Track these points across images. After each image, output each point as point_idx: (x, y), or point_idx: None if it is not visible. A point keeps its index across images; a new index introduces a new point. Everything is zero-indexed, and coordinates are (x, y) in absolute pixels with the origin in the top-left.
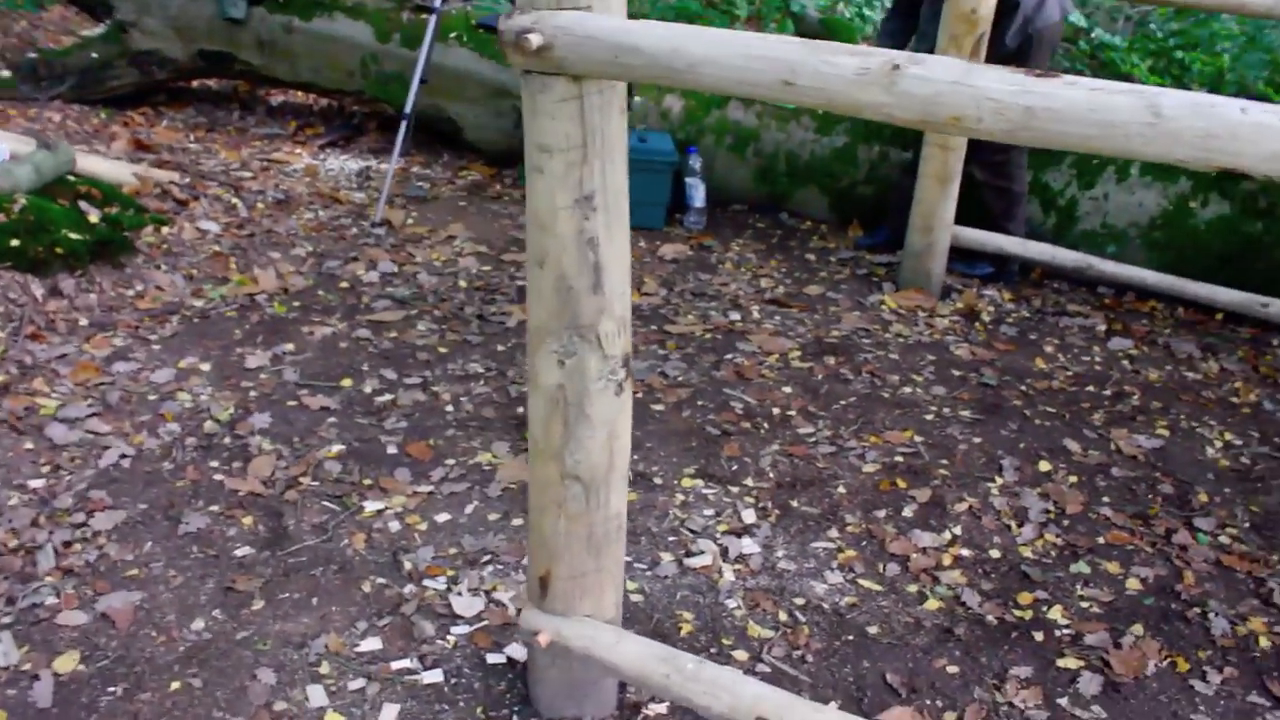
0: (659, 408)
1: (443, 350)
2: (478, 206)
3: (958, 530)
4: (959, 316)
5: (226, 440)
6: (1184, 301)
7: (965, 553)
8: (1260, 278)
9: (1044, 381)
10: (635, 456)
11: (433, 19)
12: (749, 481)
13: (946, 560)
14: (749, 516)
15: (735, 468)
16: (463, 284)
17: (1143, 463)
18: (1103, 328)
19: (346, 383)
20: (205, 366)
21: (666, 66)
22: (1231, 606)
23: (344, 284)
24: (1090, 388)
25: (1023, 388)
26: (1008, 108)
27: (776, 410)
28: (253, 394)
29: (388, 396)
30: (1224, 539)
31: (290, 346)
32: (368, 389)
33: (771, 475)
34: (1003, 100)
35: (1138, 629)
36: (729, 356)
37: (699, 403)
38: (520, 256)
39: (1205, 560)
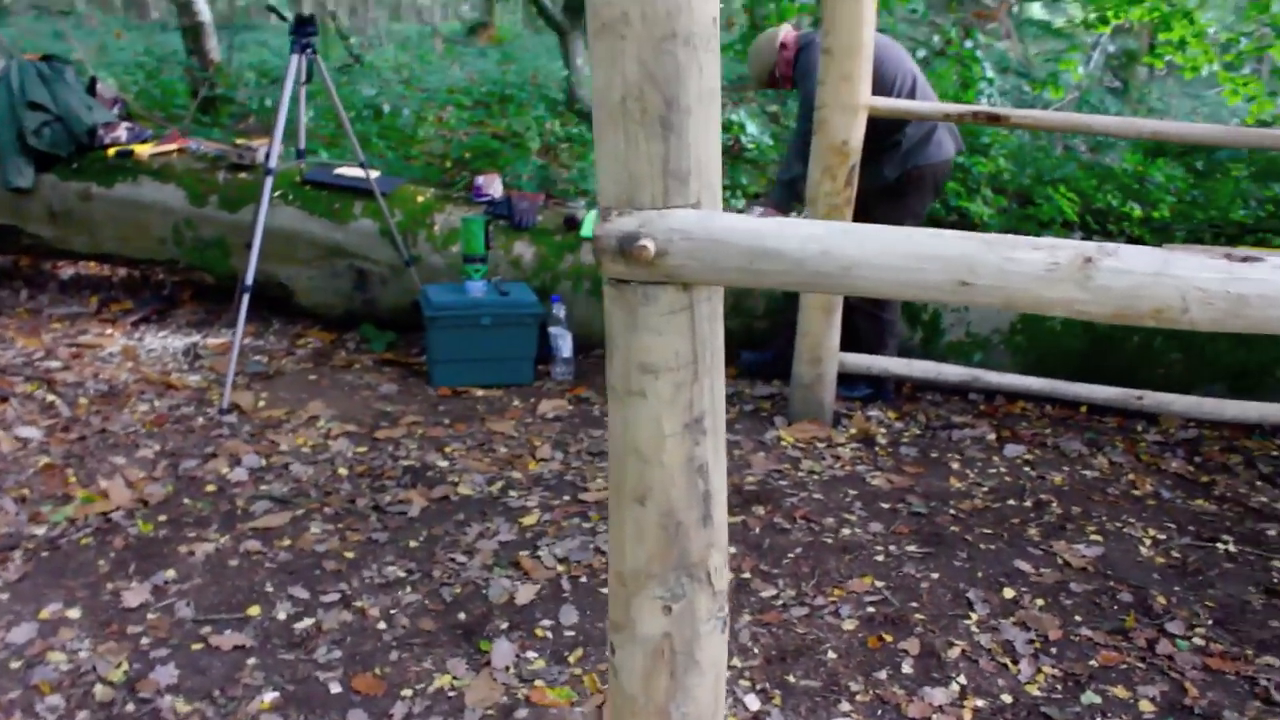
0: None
1: (350, 555)
2: (330, 379)
3: (962, 680)
4: (858, 443)
5: (130, 708)
6: (1050, 400)
7: (980, 703)
8: (1112, 370)
9: (967, 502)
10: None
11: (268, 180)
12: (736, 662)
13: (967, 716)
14: (753, 703)
15: None
16: (342, 471)
17: (1093, 573)
18: (992, 436)
19: (254, 611)
20: (74, 613)
21: (814, 272)
22: (1240, 713)
23: (210, 487)
24: (1011, 501)
25: (951, 512)
26: (1216, 296)
27: (729, 575)
28: (144, 641)
29: (308, 621)
30: (1198, 640)
31: (172, 574)
32: (281, 615)
33: (756, 650)
34: (1210, 289)
35: None
36: None
37: None
38: (394, 433)
39: (1195, 667)
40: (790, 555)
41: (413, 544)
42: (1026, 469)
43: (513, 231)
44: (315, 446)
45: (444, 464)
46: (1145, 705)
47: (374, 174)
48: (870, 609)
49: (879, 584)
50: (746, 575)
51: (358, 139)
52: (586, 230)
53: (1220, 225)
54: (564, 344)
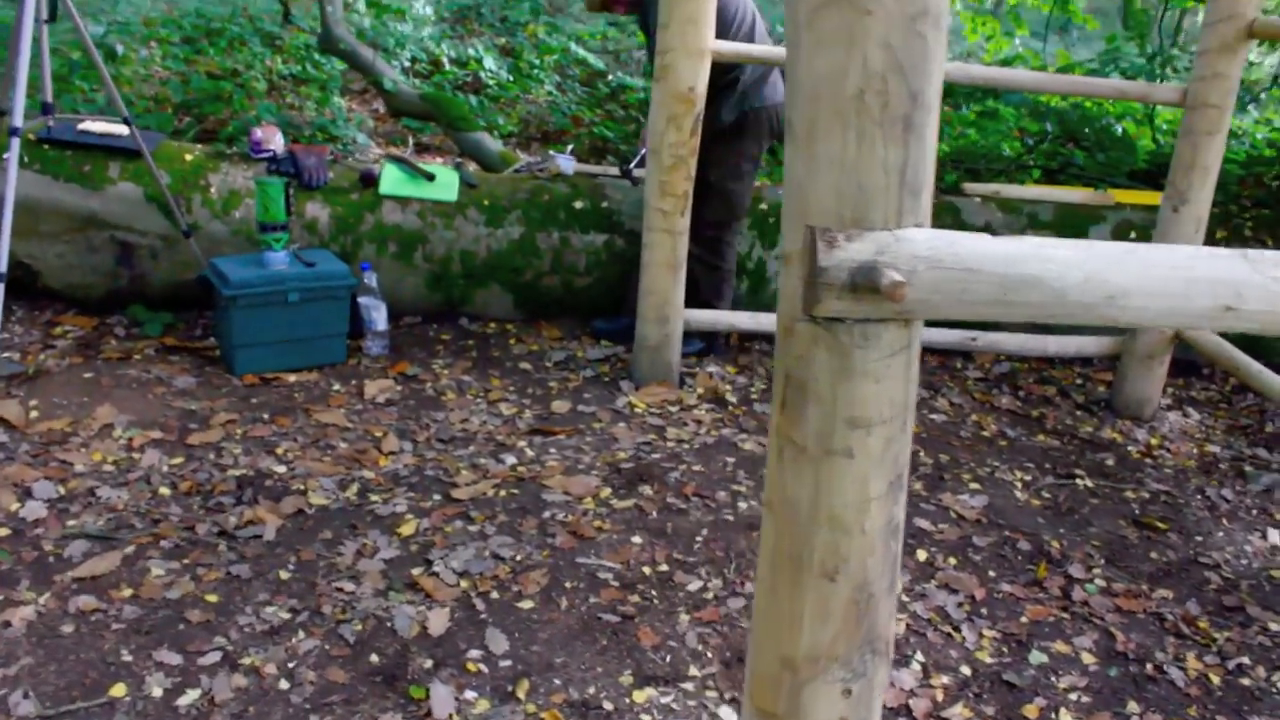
0: (528, 605)
1: (213, 599)
2: (110, 375)
3: (920, 657)
4: (710, 404)
5: None
6: None
7: (946, 680)
8: None
9: None
10: (559, 679)
11: (14, 142)
12: (694, 670)
13: (940, 696)
14: (729, 715)
15: (669, 658)
16: (164, 490)
17: (987, 524)
18: None
19: (118, 690)
20: None
21: (1075, 302)
22: (1165, 651)
23: (1, 530)
24: None
25: None
26: None
27: (647, 569)
28: None
29: (193, 694)
30: (1100, 582)
31: None
32: (156, 690)
33: (710, 654)
34: None
35: (1135, 707)
36: (546, 515)
37: (565, 584)
38: (209, 436)
39: (1110, 610)
40: (699, 539)
41: (284, 575)
42: None
43: (302, 191)
44: (119, 463)
45: (280, 469)
46: (1087, 657)
47: (127, 130)
48: None
49: None
50: (665, 568)
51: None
52: (386, 186)
53: (992, 160)
54: (378, 316)
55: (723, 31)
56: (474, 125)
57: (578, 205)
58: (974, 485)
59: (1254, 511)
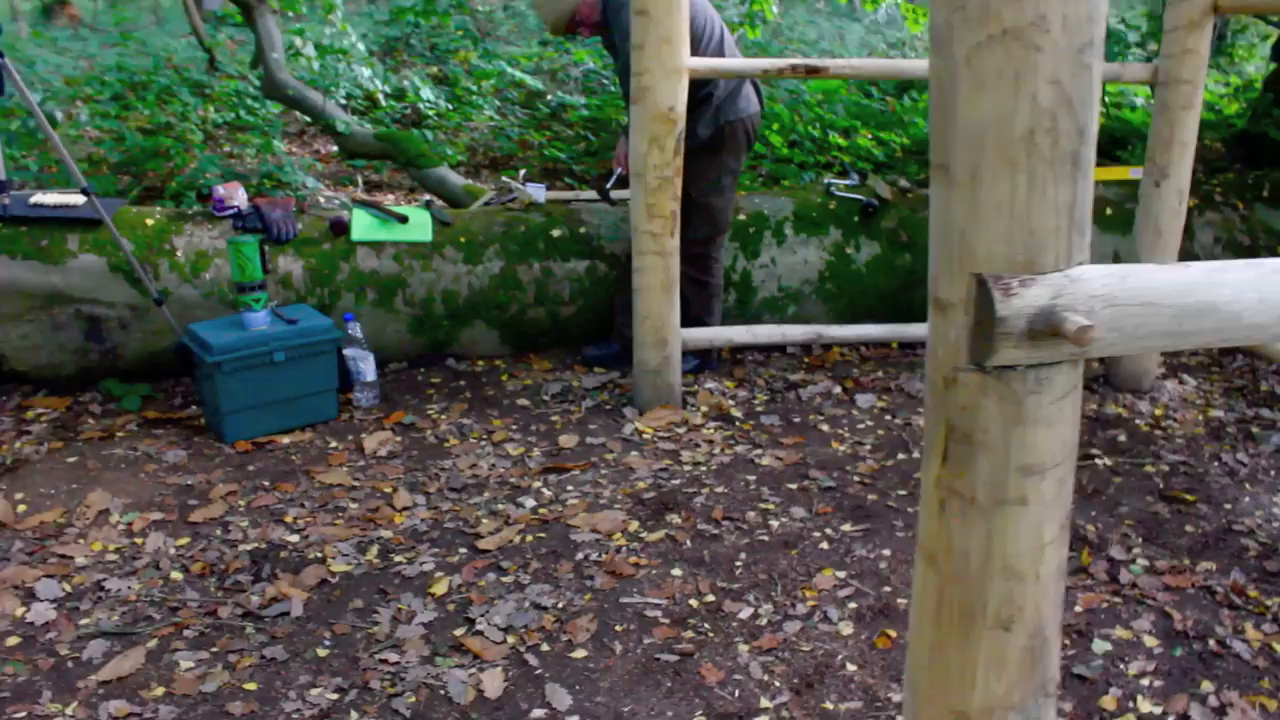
0: (581, 653)
1: (252, 687)
2: (95, 457)
3: None
4: (717, 421)
5: None
6: (863, 342)
7: None
8: (919, 302)
9: (863, 465)
10: None
11: None
12: (765, 702)
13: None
14: None
15: (737, 692)
16: (175, 575)
17: None
18: (838, 389)
19: None
20: None
21: (1252, 325)
22: (1223, 625)
23: (10, 640)
24: (901, 455)
25: (857, 479)
26: None
27: (694, 602)
28: None
29: None
30: (1143, 561)
31: None
32: None
33: (778, 683)
34: None
35: (1208, 685)
36: (579, 556)
37: (615, 627)
38: (212, 512)
39: (1160, 589)
40: (738, 564)
41: (321, 652)
42: (889, 418)
43: (272, 246)
44: (122, 550)
45: (293, 538)
46: (1149, 640)
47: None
48: (853, 605)
49: (841, 575)
50: (711, 598)
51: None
52: (359, 233)
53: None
54: (366, 367)
55: (694, 47)
56: (435, 161)
57: (555, 233)
58: None
59: (1272, 473)
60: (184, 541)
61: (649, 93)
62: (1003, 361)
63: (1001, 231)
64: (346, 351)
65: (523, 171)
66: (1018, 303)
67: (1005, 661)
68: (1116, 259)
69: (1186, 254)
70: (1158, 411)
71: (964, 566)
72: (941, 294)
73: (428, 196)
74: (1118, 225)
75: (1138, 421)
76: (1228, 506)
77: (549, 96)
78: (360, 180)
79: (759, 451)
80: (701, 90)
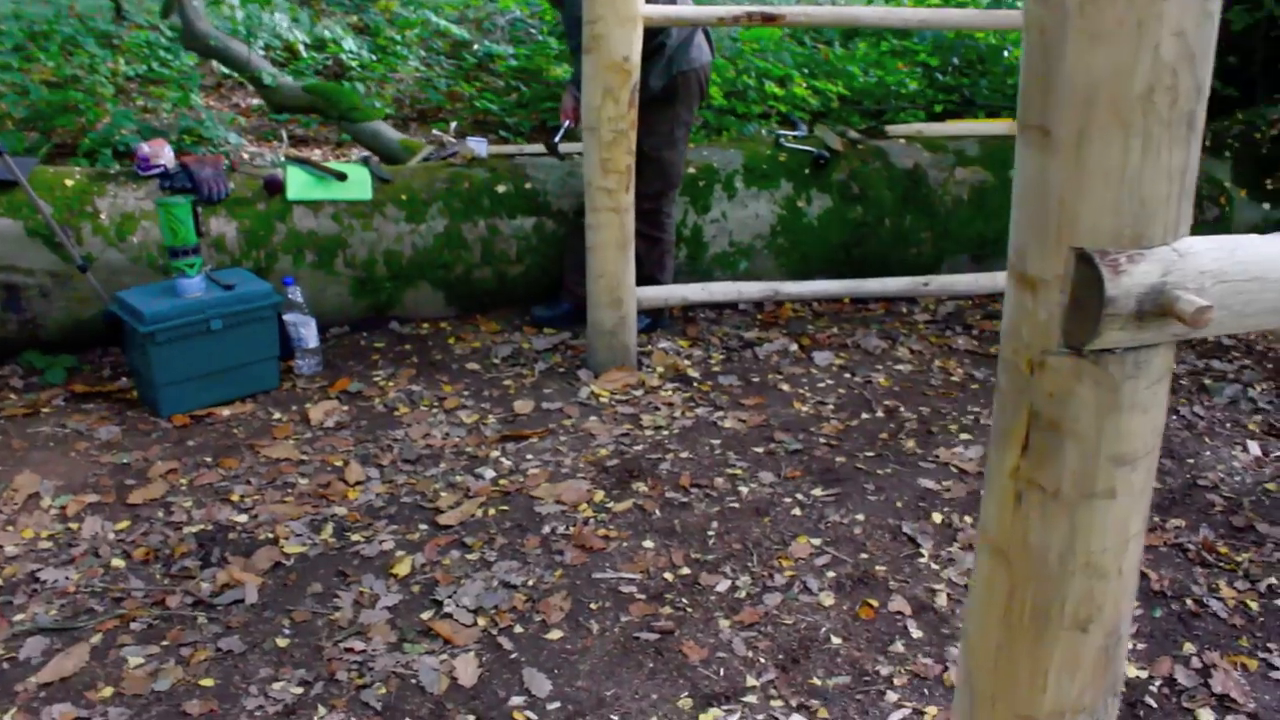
0: (557, 635)
1: (210, 683)
2: (21, 435)
3: None
4: (674, 383)
5: None
6: (821, 298)
7: None
8: (872, 256)
9: (827, 425)
10: (615, 715)
11: None
12: (752, 680)
13: None
14: None
15: (722, 671)
16: (117, 562)
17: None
18: (794, 347)
19: None
20: None
21: None
22: (1199, 584)
23: None
24: (864, 415)
25: (823, 441)
26: None
27: (669, 575)
28: None
29: None
30: None
31: None
32: None
33: (763, 659)
34: None
35: (1190, 646)
36: (546, 530)
37: (589, 605)
38: (153, 492)
39: None
40: (710, 533)
41: (281, 642)
42: (849, 375)
43: (203, 207)
44: (57, 537)
45: (241, 518)
46: None
47: None
48: (831, 574)
49: (817, 542)
50: (686, 570)
51: None
52: (295, 192)
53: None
54: (308, 332)
55: None
56: (370, 114)
57: (501, 190)
58: (964, 436)
59: (1228, 425)
60: (124, 525)
61: (602, 41)
62: (1105, 345)
63: (1109, 200)
64: (287, 317)
65: (454, 124)
66: (1127, 281)
67: (1080, 663)
68: None
69: None
70: None
71: (1041, 564)
72: (1031, 269)
73: (364, 153)
74: None
75: None
76: (1190, 461)
77: (475, 46)
78: (285, 135)
79: (720, 414)
80: (654, 40)
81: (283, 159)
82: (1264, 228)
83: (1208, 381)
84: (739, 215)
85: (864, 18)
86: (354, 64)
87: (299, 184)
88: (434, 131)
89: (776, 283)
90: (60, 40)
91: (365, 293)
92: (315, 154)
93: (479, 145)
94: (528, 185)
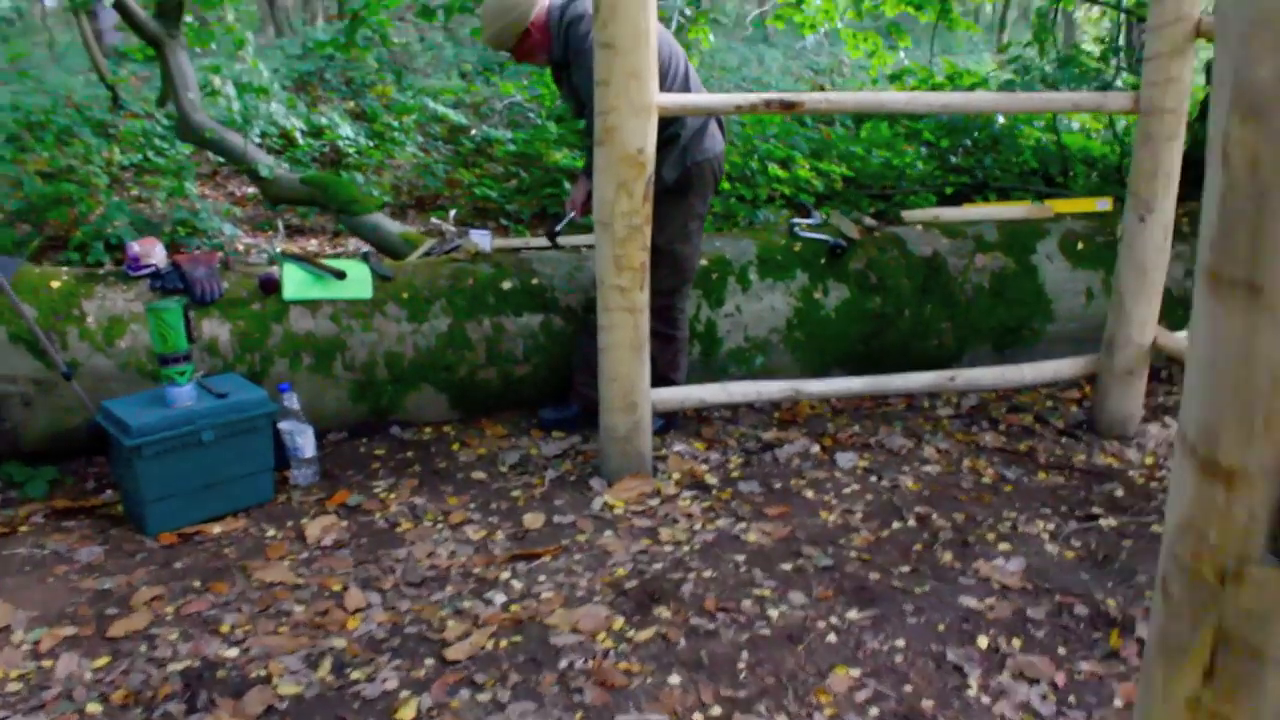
0: None
1: None
2: None
3: None
4: (692, 490)
5: None
6: (845, 396)
7: None
8: (892, 348)
9: (857, 537)
10: None
11: None
12: None
13: None
14: None
15: None
16: (94, 707)
17: (1033, 590)
18: (816, 448)
19: None
20: None
21: None
22: None
23: None
24: (895, 524)
25: (854, 555)
26: None
27: (699, 716)
28: None
29: None
30: None
31: None
32: None
33: None
34: None
35: None
36: (563, 664)
37: None
38: (135, 623)
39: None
40: (741, 665)
41: None
42: (874, 479)
43: (195, 309)
44: (28, 677)
45: (231, 652)
46: None
47: None
48: (875, 710)
49: (856, 673)
50: (718, 710)
51: None
52: (291, 291)
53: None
54: (304, 442)
55: (660, 82)
56: (368, 206)
57: (506, 286)
58: (1003, 546)
59: None
60: (102, 662)
61: (615, 133)
62: None
63: None
64: (282, 425)
65: (453, 212)
66: None
67: None
68: (1090, 296)
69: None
70: (1148, 460)
71: None
72: (1225, 456)
73: (365, 248)
74: (1090, 261)
75: (1131, 473)
76: None
77: (473, 131)
78: (281, 225)
79: (743, 525)
80: (667, 130)
81: (279, 253)
82: None
83: None
84: (754, 308)
85: (888, 104)
86: (351, 150)
87: (296, 283)
88: (433, 220)
89: (796, 381)
90: (56, 130)
91: (365, 397)
92: (312, 244)
93: (482, 239)
94: (534, 281)
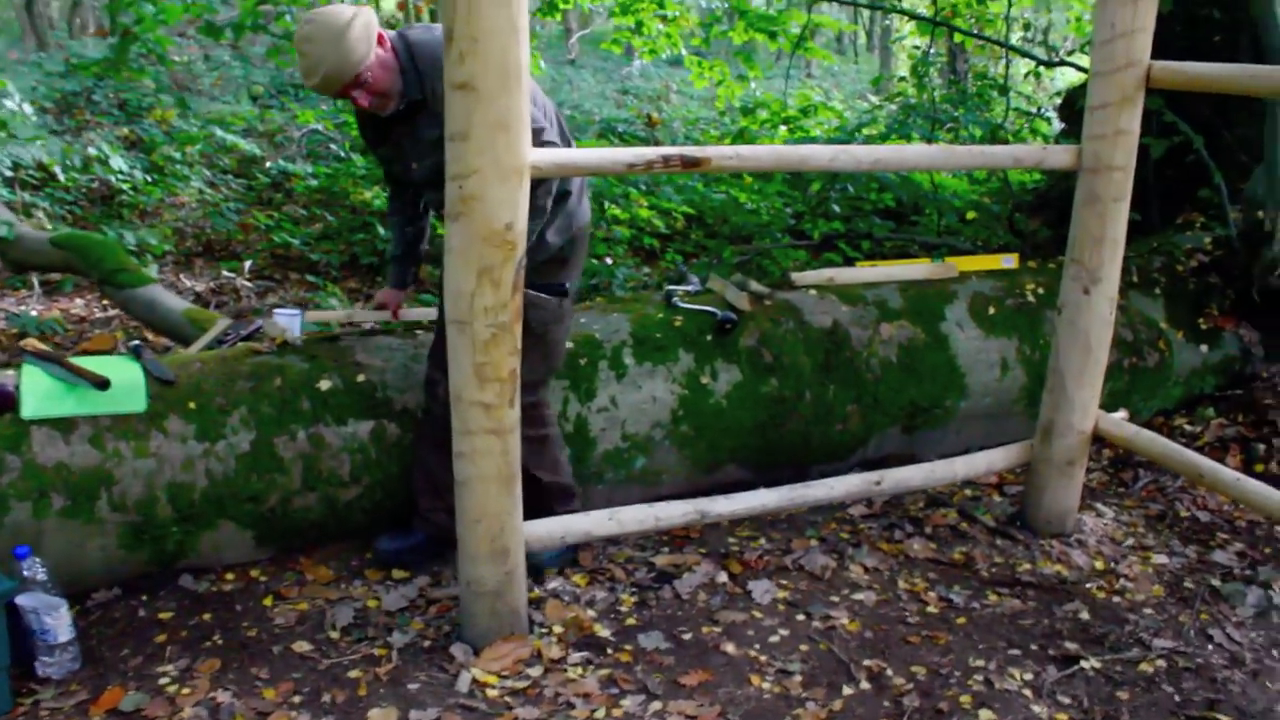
0: None
1: None
2: None
3: None
4: (580, 651)
5: None
6: (756, 514)
7: None
8: (792, 436)
9: (804, 714)
10: None
11: None
12: None
13: None
14: None
15: None
16: None
17: None
18: (723, 576)
19: None
20: None
21: None
22: None
23: None
24: (846, 690)
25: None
26: None
27: None
28: None
29: None
30: None
31: None
32: None
33: None
34: None
35: None
36: None
37: None
38: None
39: None
40: None
41: None
42: (802, 617)
43: None
44: None
45: None
46: None
47: None
48: None
49: None
50: None
51: None
52: (33, 408)
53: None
54: (55, 621)
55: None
56: (142, 278)
57: (324, 386)
58: (984, 714)
59: (1275, 652)
60: None
61: (476, 204)
62: None
63: None
64: (22, 601)
65: (248, 263)
66: None
67: None
68: (1004, 368)
69: None
70: (1098, 565)
71: None
72: None
73: (135, 341)
74: (1002, 328)
75: (1088, 586)
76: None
77: (268, 163)
78: (37, 282)
79: (657, 706)
80: (560, 187)
81: (26, 354)
82: (1203, 372)
83: (1217, 583)
84: (632, 400)
85: (812, 158)
86: (125, 186)
87: (40, 395)
88: (225, 273)
89: (700, 501)
90: None
91: (143, 543)
92: (78, 305)
93: (290, 320)
94: (360, 378)
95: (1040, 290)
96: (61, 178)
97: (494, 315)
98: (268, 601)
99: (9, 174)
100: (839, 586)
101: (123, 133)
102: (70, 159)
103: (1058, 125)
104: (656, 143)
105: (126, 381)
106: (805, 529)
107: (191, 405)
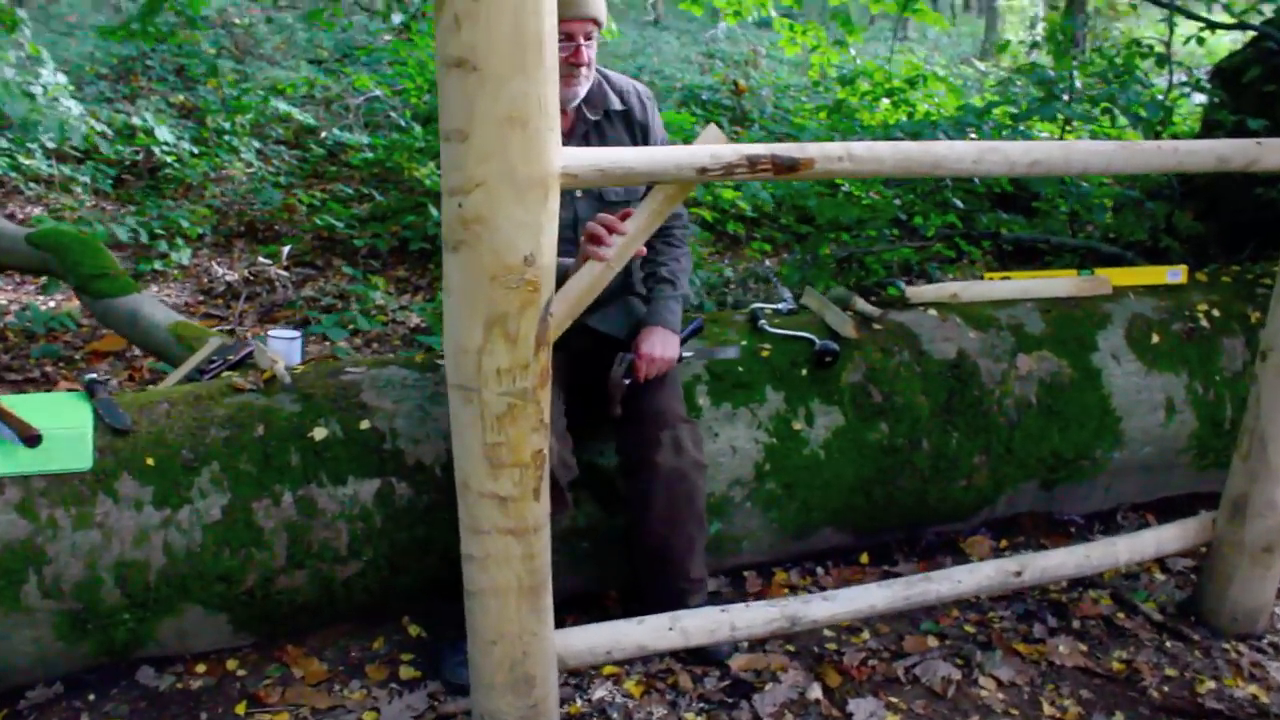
0: None
1: None
2: None
3: None
4: None
5: None
6: (863, 618)
7: None
8: (905, 493)
9: None
10: None
11: None
12: None
13: None
14: None
15: None
16: None
17: None
18: (816, 691)
19: None
20: None
21: None
22: None
23: None
24: None
25: None
26: None
27: None
28: None
29: None
30: None
31: None
32: None
33: None
34: None
35: None
36: None
37: None
38: None
39: None
40: None
41: None
42: None
43: None
44: None
45: None
46: None
47: None
48: None
49: None
50: None
51: None
52: None
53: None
54: None
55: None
56: (124, 285)
57: (318, 435)
58: None
59: None
60: None
61: (481, 229)
62: None
63: None
64: None
65: (287, 248)
66: None
67: None
68: (1170, 411)
69: None
70: None
71: None
72: None
73: (91, 375)
74: (1168, 361)
75: None
76: None
77: (323, 134)
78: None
79: None
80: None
81: None
82: None
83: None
84: (707, 451)
85: (947, 161)
86: (169, 159)
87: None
88: (261, 260)
89: (792, 604)
90: None
91: (85, 633)
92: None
93: (289, 348)
94: (364, 424)
95: (1215, 312)
96: (106, 150)
97: (510, 380)
98: (240, 710)
99: (51, 146)
100: (966, 710)
101: (178, 99)
102: (107, 130)
103: (1196, 99)
104: (743, 113)
105: (69, 432)
106: (921, 620)
107: (150, 461)
